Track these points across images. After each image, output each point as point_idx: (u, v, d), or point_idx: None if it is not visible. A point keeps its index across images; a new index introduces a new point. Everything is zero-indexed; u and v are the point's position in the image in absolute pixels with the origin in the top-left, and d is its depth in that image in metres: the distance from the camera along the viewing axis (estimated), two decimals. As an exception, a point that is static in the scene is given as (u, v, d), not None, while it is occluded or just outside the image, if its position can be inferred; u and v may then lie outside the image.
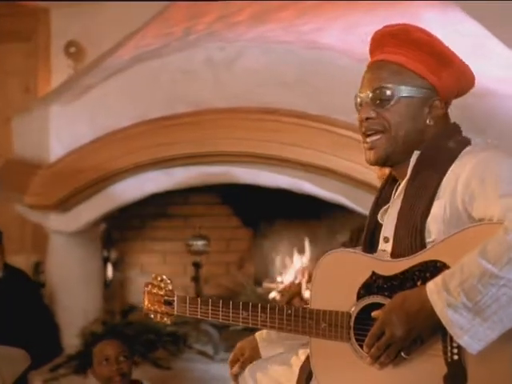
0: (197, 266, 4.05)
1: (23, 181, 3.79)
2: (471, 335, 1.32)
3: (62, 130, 3.73)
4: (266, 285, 4.38)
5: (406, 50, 1.61)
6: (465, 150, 1.55)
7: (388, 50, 1.64)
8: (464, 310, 1.33)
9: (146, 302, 2.02)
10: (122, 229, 4.50)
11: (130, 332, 3.86)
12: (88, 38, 5.09)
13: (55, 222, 3.87)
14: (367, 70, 1.67)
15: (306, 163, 3.27)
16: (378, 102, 1.60)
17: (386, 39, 1.65)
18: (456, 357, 1.41)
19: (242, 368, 1.98)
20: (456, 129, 1.66)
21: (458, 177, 1.48)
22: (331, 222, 4.27)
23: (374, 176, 2.42)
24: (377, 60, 1.65)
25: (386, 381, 1.53)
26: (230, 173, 3.52)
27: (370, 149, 1.63)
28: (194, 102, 3.48)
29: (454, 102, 1.68)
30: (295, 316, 1.67)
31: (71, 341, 3.86)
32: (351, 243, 2.43)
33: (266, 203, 4.12)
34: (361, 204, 3.22)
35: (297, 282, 4.24)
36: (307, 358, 1.77)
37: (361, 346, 1.56)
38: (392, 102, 1.59)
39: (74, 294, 4.01)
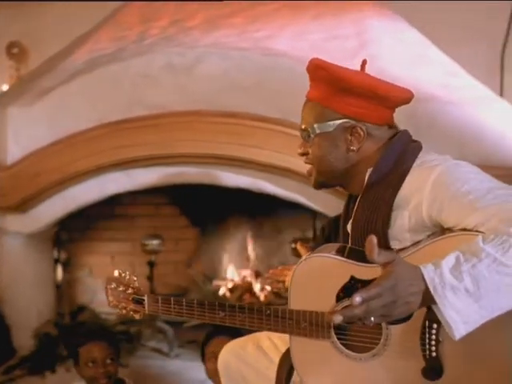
0: (151, 264, 4.12)
1: (-22, 183, 3.71)
2: (465, 320, 1.29)
3: (21, 132, 3.69)
4: (216, 282, 4.46)
5: (318, 86, 1.70)
6: (417, 163, 1.62)
7: (310, 86, 1.76)
8: (464, 294, 1.29)
9: (111, 299, 2.03)
10: (70, 230, 4.47)
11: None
12: (31, 38, 5.03)
13: (13, 223, 3.82)
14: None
15: (265, 163, 3.36)
16: (303, 139, 1.78)
17: (309, 74, 1.75)
18: (434, 354, 1.54)
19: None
20: (401, 142, 1.70)
21: (422, 193, 1.54)
22: (277, 220, 4.40)
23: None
24: (306, 97, 1.78)
25: (365, 373, 1.64)
26: (190, 174, 3.56)
27: (309, 176, 1.82)
28: (153, 106, 3.52)
29: (398, 108, 1.76)
30: (275, 316, 1.74)
31: (24, 342, 3.85)
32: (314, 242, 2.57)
33: (213, 203, 4.22)
34: (318, 203, 3.39)
35: (247, 279, 4.38)
36: (287, 352, 1.85)
37: (342, 344, 1.67)
38: (311, 140, 1.74)
39: (27, 296, 3.98)
